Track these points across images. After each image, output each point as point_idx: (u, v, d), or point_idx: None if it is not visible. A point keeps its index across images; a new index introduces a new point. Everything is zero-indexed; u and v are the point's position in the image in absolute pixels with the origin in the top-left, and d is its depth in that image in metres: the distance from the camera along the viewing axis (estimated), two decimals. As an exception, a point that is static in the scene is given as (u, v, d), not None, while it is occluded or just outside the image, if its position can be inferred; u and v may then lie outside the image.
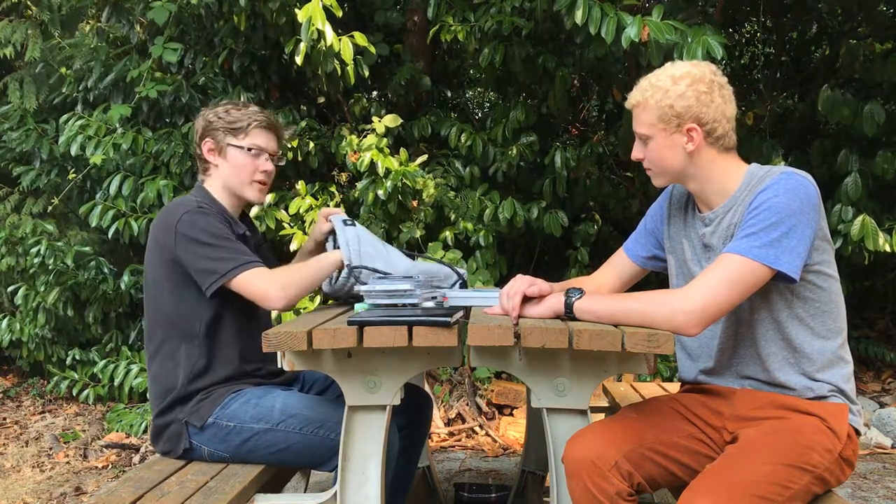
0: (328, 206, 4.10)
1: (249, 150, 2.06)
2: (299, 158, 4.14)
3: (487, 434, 4.01)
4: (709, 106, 1.61)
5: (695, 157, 1.65)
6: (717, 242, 1.69)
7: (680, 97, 1.61)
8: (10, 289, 4.38)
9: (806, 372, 1.63)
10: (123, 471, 3.53)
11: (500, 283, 3.69)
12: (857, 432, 1.66)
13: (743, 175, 1.66)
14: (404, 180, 3.89)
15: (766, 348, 1.65)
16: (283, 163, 2.17)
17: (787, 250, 1.51)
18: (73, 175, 4.15)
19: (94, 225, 4.04)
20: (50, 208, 4.40)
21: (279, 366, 1.72)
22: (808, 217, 1.54)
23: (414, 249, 4.02)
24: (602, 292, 1.89)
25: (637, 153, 1.73)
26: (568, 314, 1.64)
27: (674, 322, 1.51)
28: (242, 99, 4.06)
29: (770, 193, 1.55)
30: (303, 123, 4.25)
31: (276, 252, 2.46)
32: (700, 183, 1.69)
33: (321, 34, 3.51)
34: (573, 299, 1.63)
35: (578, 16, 3.24)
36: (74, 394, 4.41)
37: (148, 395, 2.07)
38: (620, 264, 1.98)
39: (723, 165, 1.67)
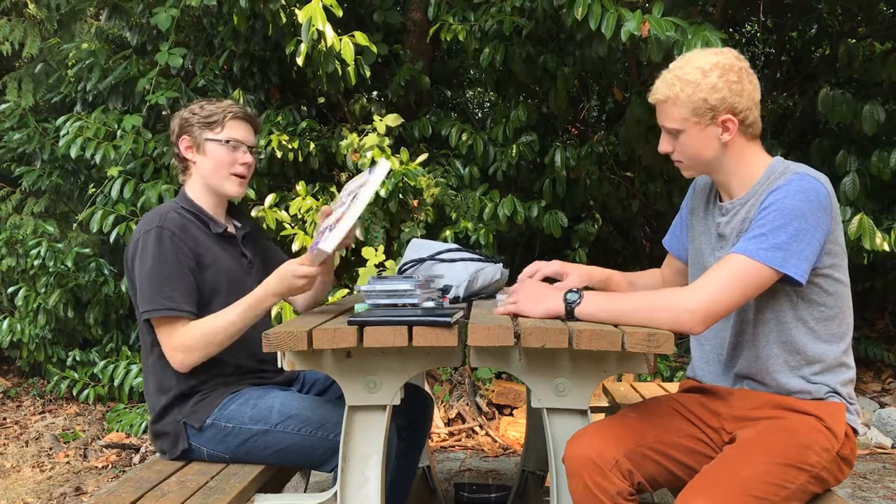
0: (328, 205, 4.10)
1: (227, 142, 2.04)
2: (300, 159, 4.14)
3: (487, 434, 4.01)
4: (741, 95, 1.59)
5: (729, 147, 1.64)
6: (731, 233, 1.68)
7: (713, 89, 1.58)
8: (10, 290, 4.38)
9: (805, 375, 1.63)
10: (123, 471, 3.53)
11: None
12: (855, 431, 1.65)
13: (765, 167, 1.65)
14: (405, 179, 3.90)
15: (768, 349, 1.65)
16: (261, 156, 2.15)
17: (795, 253, 1.50)
18: (94, 189, 4.18)
19: (94, 230, 4.05)
20: (76, 224, 4.40)
21: (279, 365, 1.72)
22: (817, 220, 1.52)
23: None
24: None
25: (665, 146, 1.69)
26: (569, 318, 1.63)
27: (679, 321, 1.50)
28: (241, 101, 4.06)
29: (781, 194, 1.54)
30: (303, 124, 4.25)
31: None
32: (728, 173, 1.67)
33: (321, 34, 3.51)
34: (574, 305, 1.61)
35: (578, 10, 3.25)
36: (74, 394, 4.41)
37: (144, 394, 2.07)
38: (670, 262, 1.99)
39: (750, 154, 1.66)
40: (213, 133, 2.04)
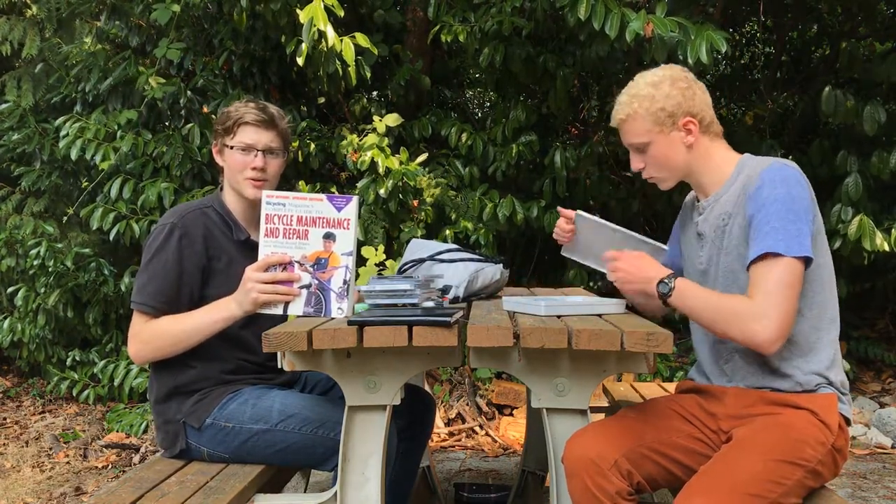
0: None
1: (238, 147, 2.06)
2: (300, 159, 4.15)
3: (487, 434, 4.01)
4: (693, 99, 1.70)
5: (694, 148, 1.71)
6: (708, 230, 1.72)
7: (667, 97, 1.68)
8: (9, 290, 4.38)
9: (799, 365, 1.63)
10: (123, 471, 3.53)
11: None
12: (847, 420, 1.66)
13: (735, 163, 1.71)
14: (405, 179, 3.90)
15: None
16: (282, 157, 2.14)
17: (806, 235, 1.54)
18: (87, 185, 4.21)
19: (95, 227, 4.05)
20: (66, 219, 4.41)
21: (279, 366, 1.72)
22: (806, 202, 1.57)
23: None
24: None
25: (637, 164, 1.78)
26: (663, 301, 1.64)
27: (754, 341, 1.51)
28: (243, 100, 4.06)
29: (770, 186, 1.57)
30: (303, 124, 4.25)
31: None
32: (700, 174, 1.75)
33: (323, 34, 3.51)
34: (666, 291, 1.61)
35: (582, 10, 3.25)
36: (74, 394, 4.41)
37: (147, 388, 2.10)
38: None
39: (717, 151, 1.74)
40: (229, 139, 2.07)
